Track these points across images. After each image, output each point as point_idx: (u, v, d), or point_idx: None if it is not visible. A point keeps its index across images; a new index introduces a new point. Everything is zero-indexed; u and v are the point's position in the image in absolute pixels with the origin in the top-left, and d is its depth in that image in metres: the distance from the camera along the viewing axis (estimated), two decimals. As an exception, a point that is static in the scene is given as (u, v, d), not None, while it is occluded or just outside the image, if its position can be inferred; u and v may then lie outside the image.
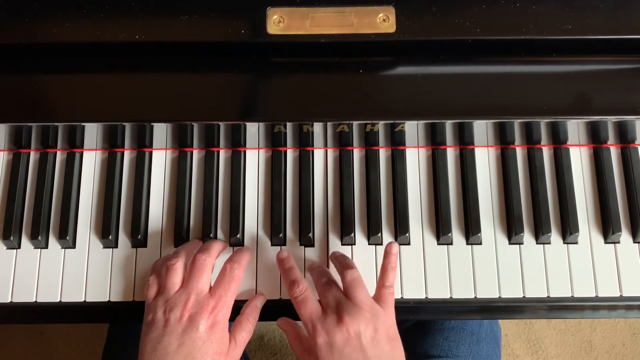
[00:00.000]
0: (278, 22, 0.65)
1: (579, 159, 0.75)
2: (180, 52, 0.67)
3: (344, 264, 0.66)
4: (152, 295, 0.65)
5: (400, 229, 0.71)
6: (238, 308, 0.67)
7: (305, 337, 0.64)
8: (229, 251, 0.71)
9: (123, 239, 0.72)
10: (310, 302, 0.64)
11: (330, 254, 0.71)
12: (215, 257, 0.67)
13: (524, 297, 0.70)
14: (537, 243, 0.72)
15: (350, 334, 0.60)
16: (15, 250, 0.72)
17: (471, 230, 0.71)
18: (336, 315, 0.61)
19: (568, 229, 0.71)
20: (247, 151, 0.75)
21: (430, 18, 0.65)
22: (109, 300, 0.70)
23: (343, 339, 0.60)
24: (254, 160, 0.75)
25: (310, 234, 0.71)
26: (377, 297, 0.64)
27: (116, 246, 0.72)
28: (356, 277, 0.64)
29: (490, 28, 0.65)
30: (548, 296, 0.70)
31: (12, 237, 0.71)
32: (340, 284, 0.65)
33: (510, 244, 0.72)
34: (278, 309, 0.69)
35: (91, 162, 0.75)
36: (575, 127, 0.71)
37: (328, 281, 0.65)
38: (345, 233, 0.71)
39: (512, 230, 0.71)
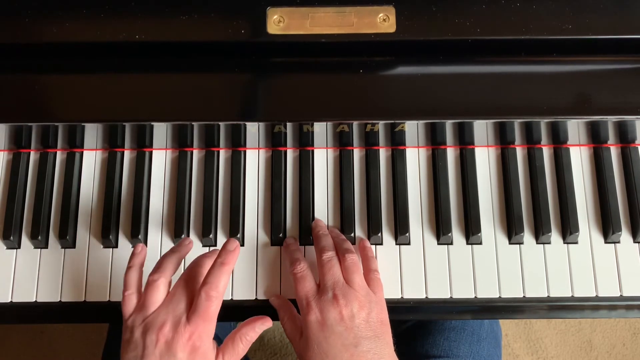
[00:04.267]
0: (278, 22, 0.65)
1: (579, 158, 0.75)
2: (180, 52, 0.67)
3: (343, 248, 0.67)
4: (130, 310, 0.61)
5: (400, 229, 0.71)
6: (237, 307, 0.67)
7: (298, 316, 0.65)
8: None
9: (123, 239, 0.72)
10: (308, 281, 0.65)
11: (328, 228, 0.72)
12: (199, 280, 0.62)
13: (524, 297, 0.70)
14: (537, 243, 0.72)
15: (343, 315, 0.61)
16: (15, 250, 0.72)
17: (471, 230, 0.71)
18: (332, 295, 0.63)
19: (568, 229, 0.71)
20: (247, 151, 0.75)
21: (430, 18, 0.65)
22: (108, 300, 0.70)
23: (336, 318, 0.61)
24: (254, 160, 0.75)
25: (311, 234, 0.71)
26: (367, 281, 0.66)
27: (116, 246, 0.72)
28: (355, 261, 0.66)
29: (490, 28, 0.65)
30: (548, 296, 0.70)
31: (12, 237, 0.71)
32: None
33: (510, 243, 0.72)
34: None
35: (91, 162, 0.75)
36: (575, 127, 0.71)
37: (331, 259, 0.66)
38: (346, 233, 0.71)
39: (512, 230, 0.71)
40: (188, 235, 0.72)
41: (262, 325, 0.64)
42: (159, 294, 0.60)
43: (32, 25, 0.66)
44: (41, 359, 1.40)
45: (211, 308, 0.59)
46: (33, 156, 0.75)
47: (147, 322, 0.59)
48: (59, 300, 0.70)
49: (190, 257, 0.67)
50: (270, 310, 0.69)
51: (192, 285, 0.61)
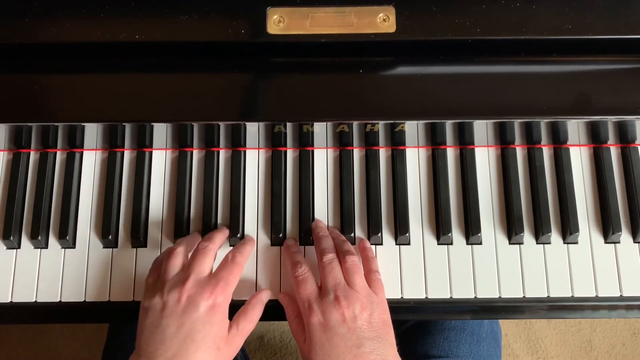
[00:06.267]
0: (278, 22, 0.65)
1: (579, 159, 0.75)
2: (180, 52, 0.67)
3: (344, 249, 0.67)
4: (151, 282, 0.65)
5: (400, 229, 0.71)
6: (238, 307, 0.67)
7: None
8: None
9: (123, 239, 0.72)
10: (310, 283, 0.65)
11: (328, 229, 0.72)
12: (218, 246, 0.68)
13: (524, 297, 0.70)
14: (537, 243, 0.72)
15: (345, 316, 0.61)
16: (15, 250, 0.72)
17: (471, 230, 0.71)
18: (334, 297, 0.63)
19: (568, 229, 0.71)
20: (247, 151, 0.75)
21: (430, 18, 0.65)
22: (108, 300, 0.70)
23: (338, 320, 0.61)
24: (254, 160, 0.75)
25: (311, 235, 0.71)
26: (368, 282, 0.66)
27: (116, 246, 0.72)
28: (356, 263, 0.66)
29: (490, 28, 0.65)
30: (548, 296, 0.70)
31: (12, 237, 0.71)
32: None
33: (510, 244, 0.72)
34: (278, 309, 0.69)
35: (91, 162, 0.75)
36: (575, 127, 0.71)
37: (332, 261, 0.66)
38: (346, 233, 0.71)
39: (512, 230, 0.71)
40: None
41: (265, 295, 0.68)
42: (178, 260, 0.64)
43: (32, 25, 0.66)
44: (41, 359, 1.40)
45: (235, 270, 0.64)
46: (33, 156, 0.75)
47: (168, 283, 0.62)
48: (59, 300, 0.70)
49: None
50: (272, 309, 0.69)
51: (208, 254, 0.65)
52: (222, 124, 0.69)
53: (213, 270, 0.66)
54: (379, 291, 0.66)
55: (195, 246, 0.68)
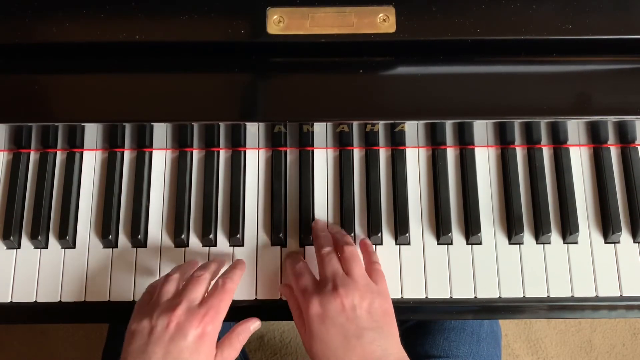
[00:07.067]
0: (278, 22, 0.65)
1: (579, 159, 0.75)
2: (180, 52, 0.67)
3: (343, 241, 0.67)
4: (141, 305, 0.63)
5: (400, 229, 0.71)
6: (234, 309, 0.67)
7: None
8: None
9: (123, 239, 0.72)
10: (307, 275, 0.65)
11: (329, 226, 0.72)
12: (212, 276, 0.65)
13: (524, 297, 0.70)
14: (537, 243, 0.72)
15: (344, 305, 0.61)
16: (15, 250, 0.72)
17: (471, 230, 0.71)
18: (332, 286, 0.62)
19: (568, 229, 0.71)
20: (247, 151, 0.75)
21: (430, 18, 0.65)
22: (108, 300, 0.70)
23: (337, 309, 0.60)
24: (254, 160, 0.75)
25: (311, 234, 0.71)
26: (369, 273, 0.66)
27: (116, 246, 0.72)
28: (354, 252, 0.66)
29: (490, 28, 0.65)
30: (548, 296, 0.70)
31: (12, 237, 0.71)
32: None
33: (510, 244, 0.72)
34: (277, 309, 0.69)
35: (91, 162, 0.75)
36: (575, 127, 0.71)
37: (329, 252, 0.65)
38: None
39: (512, 230, 0.71)
40: (188, 236, 0.72)
41: (254, 325, 0.66)
42: (172, 286, 0.62)
43: (32, 25, 0.66)
44: (41, 359, 1.40)
45: (225, 297, 0.62)
46: (33, 156, 0.75)
47: (158, 308, 0.59)
48: (59, 300, 0.70)
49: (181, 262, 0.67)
50: (271, 309, 0.69)
51: (202, 283, 0.63)
52: (222, 124, 0.69)
53: None
54: (379, 281, 0.65)
55: (191, 273, 0.66)
